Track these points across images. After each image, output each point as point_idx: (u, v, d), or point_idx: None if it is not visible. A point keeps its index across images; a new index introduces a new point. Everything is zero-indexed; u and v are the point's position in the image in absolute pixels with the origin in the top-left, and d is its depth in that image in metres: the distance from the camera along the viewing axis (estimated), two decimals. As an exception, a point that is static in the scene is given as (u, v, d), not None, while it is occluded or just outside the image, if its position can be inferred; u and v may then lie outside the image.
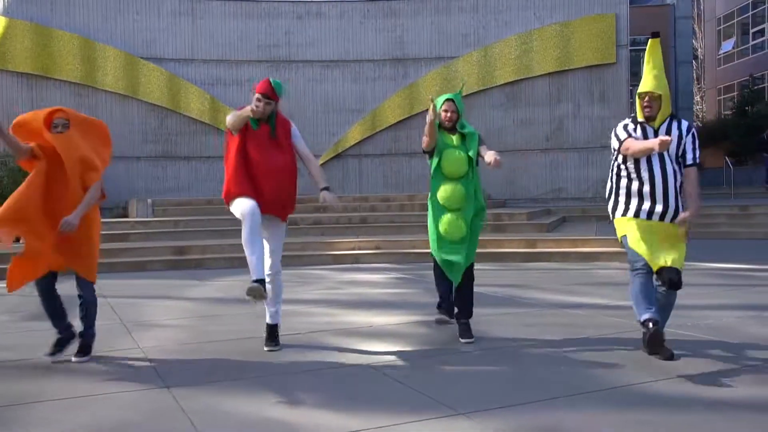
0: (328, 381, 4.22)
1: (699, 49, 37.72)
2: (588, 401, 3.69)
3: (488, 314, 6.24)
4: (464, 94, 18.73)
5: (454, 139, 5.17)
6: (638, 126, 4.55)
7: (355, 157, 18.07)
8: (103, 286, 8.79)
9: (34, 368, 4.60)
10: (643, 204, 4.49)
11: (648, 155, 4.41)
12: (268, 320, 5.06)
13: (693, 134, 4.55)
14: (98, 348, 5.13)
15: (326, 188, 5.07)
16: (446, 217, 5.09)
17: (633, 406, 3.59)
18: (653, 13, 27.94)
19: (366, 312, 6.62)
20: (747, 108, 26.32)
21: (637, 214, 4.51)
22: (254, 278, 4.59)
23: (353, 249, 11.50)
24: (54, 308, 4.81)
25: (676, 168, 4.49)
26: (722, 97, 31.75)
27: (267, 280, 4.78)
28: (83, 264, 4.78)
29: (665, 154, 4.43)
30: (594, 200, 16.33)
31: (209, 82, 17.23)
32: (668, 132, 4.50)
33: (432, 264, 5.32)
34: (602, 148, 15.97)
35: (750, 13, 29.73)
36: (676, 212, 4.44)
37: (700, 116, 36.10)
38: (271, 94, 4.77)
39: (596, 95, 17.30)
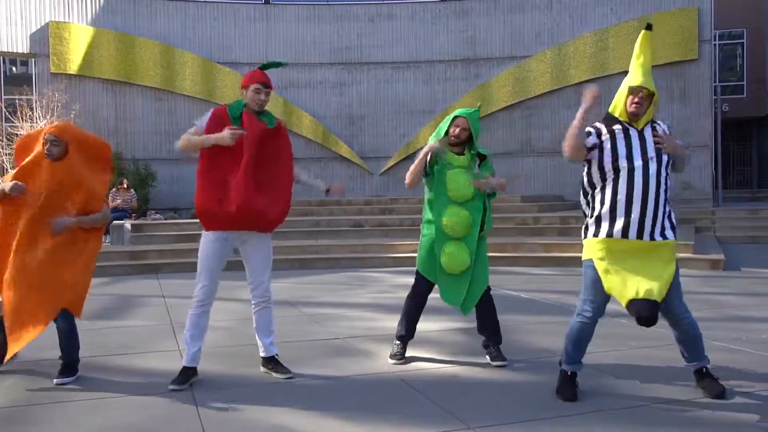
0: (349, 389, 4.21)
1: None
2: (613, 419, 3.52)
3: (533, 322, 6.07)
4: (532, 96, 18.30)
5: (462, 159, 4.67)
6: (619, 125, 3.84)
7: (426, 158, 17.96)
8: (165, 286, 9.14)
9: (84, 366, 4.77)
10: (616, 220, 3.77)
11: (630, 162, 3.74)
12: (264, 354, 4.55)
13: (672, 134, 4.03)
14: (140, 348, 5.32)
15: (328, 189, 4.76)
16: (448, 247, 4.61)
17: (661, 427, 3.40)
18: (747, 4, 26.47)
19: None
20: None
21: (610, 234, 3.78)
22: (189, 365, 4.31)
23: (414, 251, 11.41)
24: None
25: (666, 179, 3.90)
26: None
27: (258, 308, 4.48)
28: (71, 298, 4.42)
29: (648, 161, 3.79)
30: (673, 202, 15.62)
31: (282, 85, 17.55)
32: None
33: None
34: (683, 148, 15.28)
35: None
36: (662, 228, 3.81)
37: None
38: (269, 82, 4.29)
39: (677, 93, 16.57)
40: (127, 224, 12.69)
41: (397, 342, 4.85)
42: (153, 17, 17.26)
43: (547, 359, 4.83)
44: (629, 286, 3.71)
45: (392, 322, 6.29)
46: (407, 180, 4.73)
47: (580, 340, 3.95)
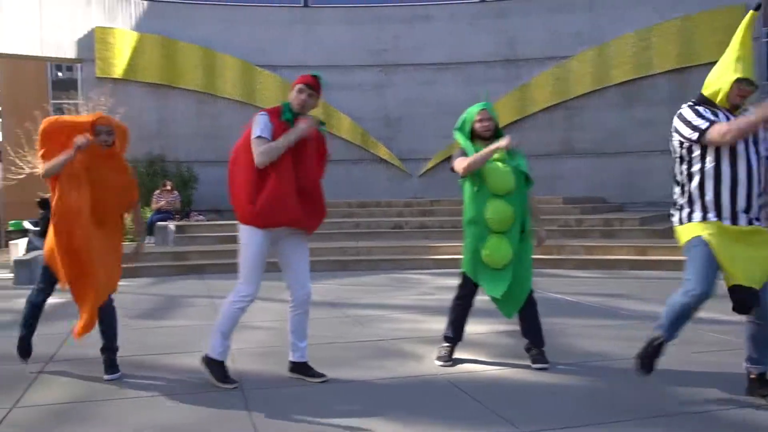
0: (397, 391, 4.20)
1: None
2: (668, 426, 3.45)
3: (578, 326, 5.99)
4: (573, 96, 18.10)
5: (497, 153, 4.62)
6: (719, 112, 3.77)
7: (465, 160, 17.86)
8: (210, 287, 9.25)
9: (125, 365, 4.84)
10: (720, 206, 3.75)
11: (731, 148, 3.68)
12: (295, 359, 4.48)
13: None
14: (188, 348, 5.38)
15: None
16: (490, 241, 4.57)
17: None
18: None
19: (453, 319, 6.53)
20: None
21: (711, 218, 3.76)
22: (220, 359, 4.34)
23: (455, 253, 11.36)
24: (35, 320, 4.77)
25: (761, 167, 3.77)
26: None
27: (299, 311, 4.40)
28: (116, 280, 4.64)
29: (748, 148, 3.71)
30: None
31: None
32: None
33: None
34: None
35: None
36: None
37: None
38: (315, 85, 4.27)
39: (723, 93, 16.19)
40: (171, 225, 12.88)
41: (445, 344, 4.83)
42: (194, 21, 17.50)
43: (593, 363, 4.77)
44: (737, 268, 3.64)
45: (436, 324, 6.28)
46: (463, 167, 4.59)
47: (680, 316, 3.79)
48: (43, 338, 5.67)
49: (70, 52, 16.79)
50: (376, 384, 4.35)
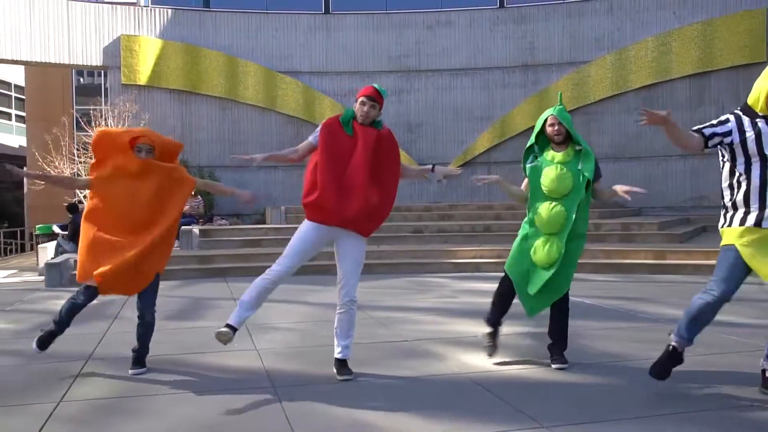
0: (422, 389, 4.37)
1: None
2: (681, 422, 3.59)
3: (595, 328, 6.12)
4: (591, 101, 18.10)
5: (561, 155, 4.75)
6: (761, 119, 3.90)
7: (484, 164, 18.04)
8: (235, 289, 9.47)
9: (159, 363, 5.06)
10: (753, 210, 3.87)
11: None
12: (338, 355, 4.68)
13: None
14: (218, 347, 5.57)
15: (434, 165, 4.89)
16: (539, 242, 4.74)
17: (733, 430, 3.46)
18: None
19: (475, 321, 6.65)
20: None
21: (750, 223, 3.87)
22: (233, 324, 4.57)
23: (474, 257, 11.55)
24: (69, 320, 4.90)
25: None
26: None
27: (342, 310, 4.62)
28: (163, 263, 4.94)
29: None
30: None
31: (342, 93, 17.89)
32: None
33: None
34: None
35: None
36: None
37: None
38: (376, 96, 4.57)
39: (743, 97, 16.09)
40: (195, 229, 13.15)
41: (488, 338, 5.01)
42: (217, 29, 17.82)
43: (612, 364, 4.90)
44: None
45: (457, 326, 6.46)
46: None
47: (697, 317, 3.93)
48: (80, 338, 5.93)
49: (96, 59, 17.18)
50: (401, 382, 4.52)
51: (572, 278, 4.85)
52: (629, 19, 17.26)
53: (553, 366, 4.78)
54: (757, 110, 3.94)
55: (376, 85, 4.63)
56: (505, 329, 6.11)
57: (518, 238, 4.91)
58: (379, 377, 4.65)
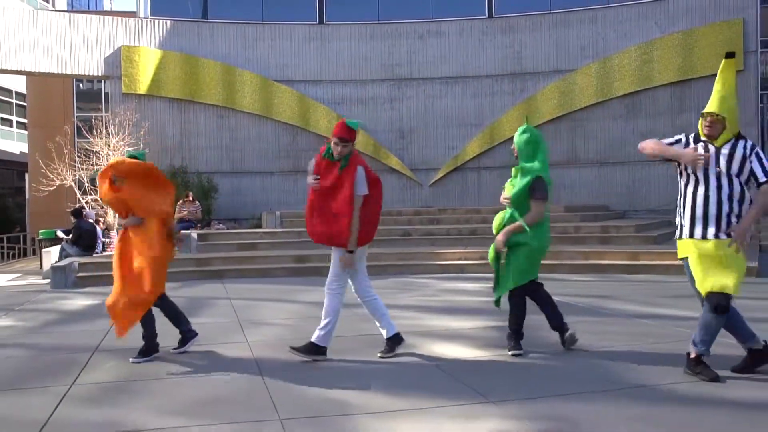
0: (391, 373, 4.95)
1: None
2: (608, 397, 4.17)
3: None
4: (577, 108, 18.49)
5: (514, 171, 5.53)
6: (700, 143, 4.53)
7: (474, 169, 18.64)
8: (230, 290, 10.04)
9: (161, 353, 5.62)
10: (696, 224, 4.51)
11: (704, 172, 4.46)
12: (386, 335, 5.54)
13: (757, 153, 4.51)
14: (214, 340, 6.15)
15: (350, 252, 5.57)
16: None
17: (648, 403, 4.03)
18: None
19: (449, 317, 7.27)
20: None
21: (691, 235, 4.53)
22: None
23: (459, 259, 12.11)
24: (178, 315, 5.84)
25: (737, 188, 4.44)
26: None
27: (363, 303, 5.71)
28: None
29: (719, 173, 4.44)
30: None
31: (336, 101, 18.50)
32: (732, 152, 4.47)
33: None
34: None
35: None
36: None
37: None
38: (345, 134, 5.24)
39: (722, 104, 16.76)
40: (194, 234, 13.72)
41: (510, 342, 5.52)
42: (215, 39, 18.42)
43: (565, 351, 5.47)
44: (708, 279, 4.39)
45: (432, 321, 7.03)
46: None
47: (704, 326, 4.50)
48: (87, 333, 6.49)
49: (97, 69, 17.77)
50: (372, 367, 5.11)
51: (518, 279, 5.46)
52: (613, 29, 17.87)
53: (510, 354, 5.37)
54: (700, 135, 4.62)
55: (347, 120, 5.28)
56: (477, 323, 6.71)
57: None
58: (355, 362, 5.24)
